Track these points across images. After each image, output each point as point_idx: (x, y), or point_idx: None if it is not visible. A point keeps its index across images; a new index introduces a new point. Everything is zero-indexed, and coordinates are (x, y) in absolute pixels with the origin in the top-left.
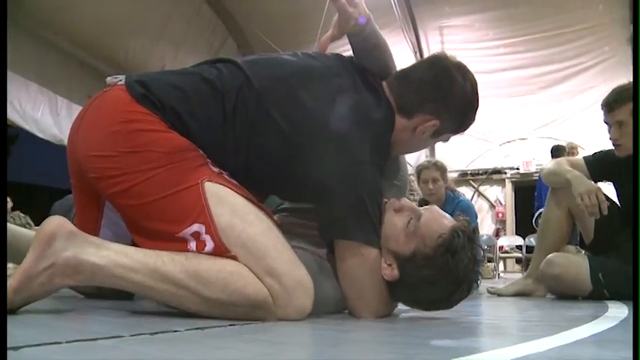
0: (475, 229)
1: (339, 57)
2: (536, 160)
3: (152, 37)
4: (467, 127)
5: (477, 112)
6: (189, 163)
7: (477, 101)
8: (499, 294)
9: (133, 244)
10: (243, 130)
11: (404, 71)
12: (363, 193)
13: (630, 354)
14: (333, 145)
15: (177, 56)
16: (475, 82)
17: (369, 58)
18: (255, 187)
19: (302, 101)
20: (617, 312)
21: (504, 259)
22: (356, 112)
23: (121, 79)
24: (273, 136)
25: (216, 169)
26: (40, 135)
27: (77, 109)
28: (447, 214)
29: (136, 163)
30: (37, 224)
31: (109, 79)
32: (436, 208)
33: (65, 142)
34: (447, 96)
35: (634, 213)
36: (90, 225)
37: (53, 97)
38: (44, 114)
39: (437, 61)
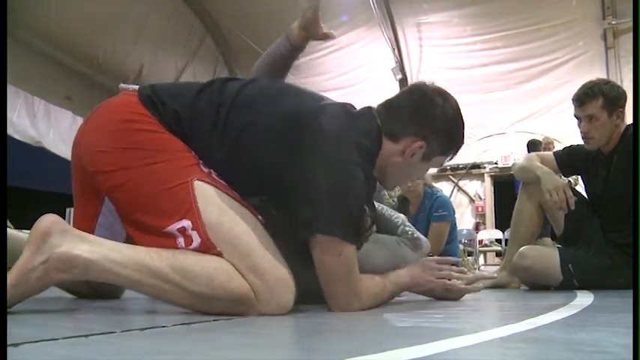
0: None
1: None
2: (514, 154)
3: (130, 36)
4: (457, 147)
5: (464, 133)
6: (181, 162)
7: (462, 122)
8: None
9: (126, 242)
10: (232, 133)
11: (388, 100)
12: (347, 191)
13: (585, 336)
14: (320, 145)
15: (156, 56)
16: (456, 104)
17: None
18: (243, 187)
19: (291, 108)
20: (583, 300)
21: (484, 252)
22: (342, 116)
23: (134, 87)
24: (260, 139)
25: (206, 170)
26: (18, 137)
27: (55, 110)
28: None
29: (131, 159)
30: (17, 227)
31: (122, 86)
32: None
33: (43, 144)
34: (428, 117)
35: (634, 213)
36: (87, 220)
37: (30, 99)
38: (21, 116)
39: (416, 89)
